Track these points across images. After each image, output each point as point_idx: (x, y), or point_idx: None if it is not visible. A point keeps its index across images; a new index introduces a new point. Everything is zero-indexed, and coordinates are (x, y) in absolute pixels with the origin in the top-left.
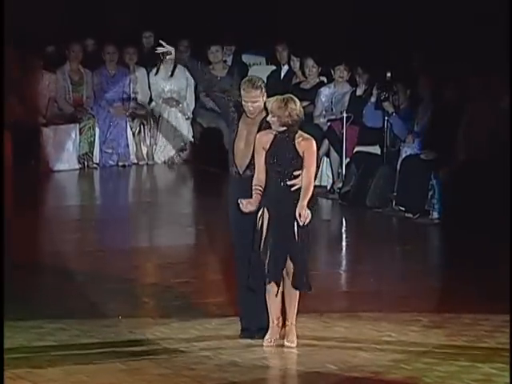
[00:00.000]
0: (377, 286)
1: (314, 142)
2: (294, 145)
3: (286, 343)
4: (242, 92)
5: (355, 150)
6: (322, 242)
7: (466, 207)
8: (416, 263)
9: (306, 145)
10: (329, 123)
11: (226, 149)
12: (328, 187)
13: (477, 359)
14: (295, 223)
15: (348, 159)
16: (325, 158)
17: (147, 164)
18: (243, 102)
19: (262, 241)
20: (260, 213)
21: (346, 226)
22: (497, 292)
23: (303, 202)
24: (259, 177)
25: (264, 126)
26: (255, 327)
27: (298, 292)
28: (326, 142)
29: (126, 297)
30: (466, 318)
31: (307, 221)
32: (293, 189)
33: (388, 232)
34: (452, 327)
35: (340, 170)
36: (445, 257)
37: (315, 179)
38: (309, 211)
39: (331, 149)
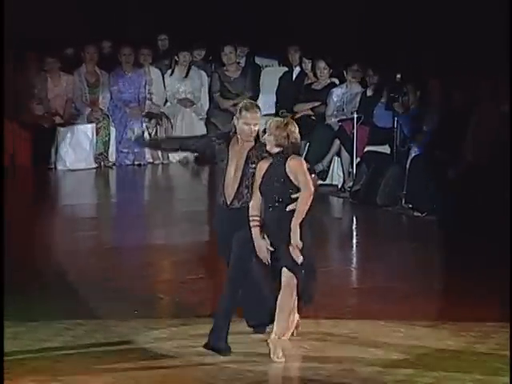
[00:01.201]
0: (386, 283)
1: (304, 161)
2: (285, 168)
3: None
4: (244, 114)
5: (365, 149)
6: (333, 239)
7: (474, 207)
8: (425, 261)
9: (294, 165)
10: (340, 123)
11: None
12: (339, 186)
13: (480, 358)
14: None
15: (358, 158)
16: (336, 158)
17: (162, 163)
18: (244, 126)
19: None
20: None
21: (357, 224)
22: (504, 289)
23: (296, 220)
24: (254, 205)
25: (253, 153)
26: (262, 323)
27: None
28: (337, 141)
29: (133, 297)
30: (472, 316)
31: (299, 258)
32: (291, 210)
33: (397, 230)
34: (459, 325)
35: (351, 169)
36: (453, 255)
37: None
38: (299, 242)
39: (342, 148)
